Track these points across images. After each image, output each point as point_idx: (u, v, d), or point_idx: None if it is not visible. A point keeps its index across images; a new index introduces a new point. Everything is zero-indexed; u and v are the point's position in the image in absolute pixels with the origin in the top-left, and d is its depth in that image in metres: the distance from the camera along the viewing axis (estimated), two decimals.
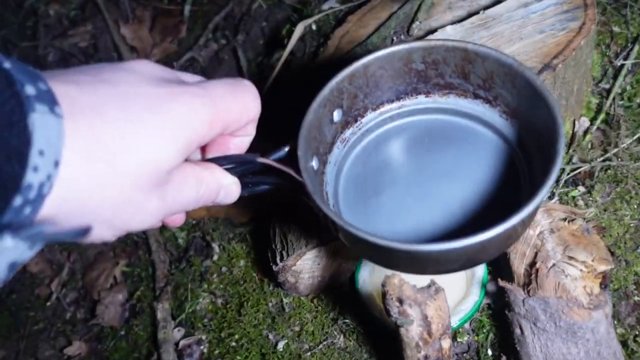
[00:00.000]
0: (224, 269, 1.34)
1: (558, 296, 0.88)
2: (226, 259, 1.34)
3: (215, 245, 1.38)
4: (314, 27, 1.50)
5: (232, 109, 0.61)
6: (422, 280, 0.85)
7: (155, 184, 0.54)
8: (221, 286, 1.32)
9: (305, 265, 1.11)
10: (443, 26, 1.22)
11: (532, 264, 0.91)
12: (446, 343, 0.89)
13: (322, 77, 1.21)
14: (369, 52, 0.85)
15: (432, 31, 1.23)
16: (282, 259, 1.09)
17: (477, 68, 0.83)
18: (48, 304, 1.51)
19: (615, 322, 1.01)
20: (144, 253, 1.47)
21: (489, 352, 1.06)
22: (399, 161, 0.91)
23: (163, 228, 1.49)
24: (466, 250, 0.70)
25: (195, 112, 0.56)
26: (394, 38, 1.30)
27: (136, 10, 1.81)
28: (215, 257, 1.36)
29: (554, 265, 0.90)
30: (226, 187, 0.67)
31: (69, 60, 1.83)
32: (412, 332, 0.86)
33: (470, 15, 1.23)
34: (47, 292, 1.53)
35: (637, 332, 0.99)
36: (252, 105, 0.64)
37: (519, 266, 0.94)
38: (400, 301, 0.82)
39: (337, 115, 0.87)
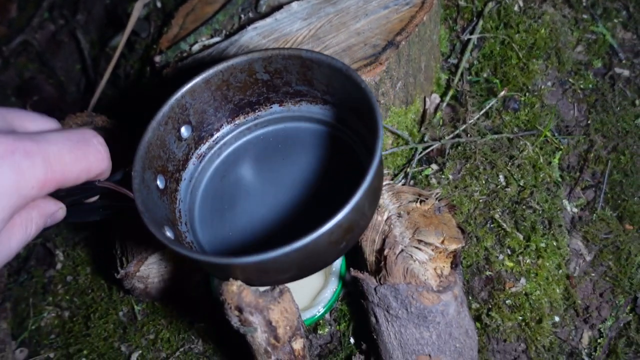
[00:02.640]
0: (69, 278, 1.20)
1: (407, 282, 0.86)
2: (71, 266, 1.21)
3: (59, 252, 1.23)
4: (158, 4, 1.37)
5: (69, 170, 0.57)
6: None
7: None
8: (67, 297, 1.18)
9: (151, 270, 1.01)
10: (290, 2, 1.16)
11: (381, 250, 0.88)
12: (298, 344, 0.84)
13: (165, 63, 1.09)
14: (209, 66, 0.82)
15: (279, 7, 1.15)
16: (122, 266, 0.98)
17: (317, 74, 0.83)
18: None
19: (470, 297, 1.02)
20: None
21: (351, 340, 1.03)
22: (255, 172, 0.90)
23: None
24: (299, 253, 0.67)
25: (23, 176, 0.52)
26: (242, 16, 1.21)
27: None
28: (59, 266, 1.22)
29: (402, 250, 0.87)
30: (52, 216, 0.66)
31: None
32: (258, 339, 0.80)
33: None
34: None
35: (489, 306, 1.00)
36: (95, 166, 0.61)
37: (370, 254, 0.91)
38: (240, 309, 0.75)
39: (185, 131, 0.86)
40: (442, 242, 0.91)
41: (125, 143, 0.88)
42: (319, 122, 0.89)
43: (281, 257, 0.67)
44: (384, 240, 0.89)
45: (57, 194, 0.66)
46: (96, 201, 0.77)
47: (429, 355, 0.89)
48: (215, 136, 0.91)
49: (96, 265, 1.19)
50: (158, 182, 0.82)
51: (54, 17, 1.56)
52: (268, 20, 1.12)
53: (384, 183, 0.93)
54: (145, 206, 0.72)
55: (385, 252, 0.87)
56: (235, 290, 0.77)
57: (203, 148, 0.90)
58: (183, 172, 0.88)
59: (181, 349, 1.06)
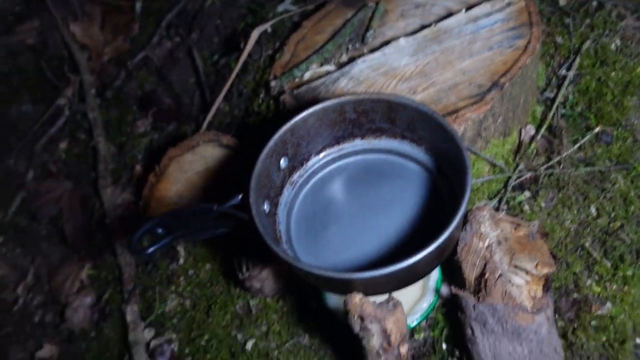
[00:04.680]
0: (190, 272, 1.37)
1: (505, 303, 0.97)
2: (192, 262, 1.38)
3: (180, 249, 1.41)
4: (269, 29, 1.51)
5: None
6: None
7: None
8: (188, 288, 1.36)
9: (270, 273, 1.16)
10: (396, 37, 1.26)
11: (482, 274, 0.99)
12: (404, 348, 0.97)
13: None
14: (307, 106, 0.96)
15: (387, 41, 1.26)
16: (247, 269, 1.13)
17: (401, 115, 0.95)
18: (15, 308, 1.52)
19: (557, 316, 1.11)
20: (110, 256, 1.49)
21: (444, 346, 1.15)
22: (342, 198, 1.02)
23: (125, 230, 1.51)
24: (398, 272, 0.81)
25: None
26: (349, 46, 1.33)
27: (85, 7, 1.77)
28: (181, 261, 1.40)
29: (501, 275, 0.98)
30: None
31: (17, 57, 1.77)
32: (373, 342, 0.93)
33: (423, 25, 1.27)
34: (13, 296, 1.53)
35: (575, 326, 1.09)
36: None
37: (470, 275, 1.02)
38: (362, 319, 0.89)
39: (283, 162, 0.99)
40: (536, 267, 1.01)
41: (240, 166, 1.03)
42: (397, 154, 1.02)
43: (392, 272, 0.80)
44: (484, 265, 1.00)
45: (182, 218, 0.81)
46: (209, 221, 0.91)
47: None
48: (304, 166, 1.05)
49: (215, 263, 1.36)
50: (265, 207, 0.96)
51: (170, 35, 1.73)
52: (377, 54, 1.23)
53: (484, 212, 1.04)
54: (264, 229, 0.85)
55: (486, 275, 0.98)
56: (357, 302, 0.90)
57: (295, 176, 1.04)
58: (280, 197, 1.02)
59: (290, 342, 1.21)
